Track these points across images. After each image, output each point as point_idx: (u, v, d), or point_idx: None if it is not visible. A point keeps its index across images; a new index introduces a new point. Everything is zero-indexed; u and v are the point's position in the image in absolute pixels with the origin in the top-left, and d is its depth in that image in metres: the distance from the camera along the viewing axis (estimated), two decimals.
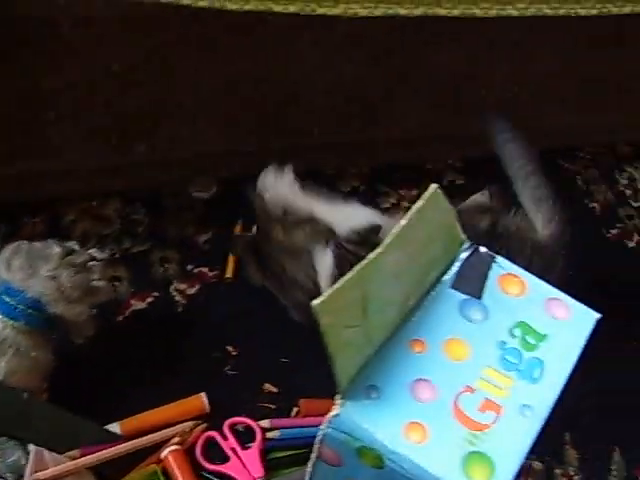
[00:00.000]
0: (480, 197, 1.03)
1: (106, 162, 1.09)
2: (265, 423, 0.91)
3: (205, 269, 1.07)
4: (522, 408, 0.61)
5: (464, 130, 1.21)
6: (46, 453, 0.81)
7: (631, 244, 1.22)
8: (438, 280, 0.67)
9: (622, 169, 1.32)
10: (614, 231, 1.23)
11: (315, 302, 0.53)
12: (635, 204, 1.28)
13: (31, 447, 0.80)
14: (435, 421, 0.58)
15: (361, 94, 1.13)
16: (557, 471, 0.96)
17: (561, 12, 0.98)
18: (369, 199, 1.15)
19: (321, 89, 1.08)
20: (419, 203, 0.62)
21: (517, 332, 0.65)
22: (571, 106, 1.25)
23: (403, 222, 0.60)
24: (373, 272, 0.58)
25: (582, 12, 0.99)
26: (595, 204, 1.26)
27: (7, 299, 0.84)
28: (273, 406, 0.95)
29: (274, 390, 0.96)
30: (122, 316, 1.00)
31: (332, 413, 0.58)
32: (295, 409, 0.94)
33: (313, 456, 0.63)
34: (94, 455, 0.82)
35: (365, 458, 0.58)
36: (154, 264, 1.06)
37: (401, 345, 0.62)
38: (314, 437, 0.62)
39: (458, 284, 0.67)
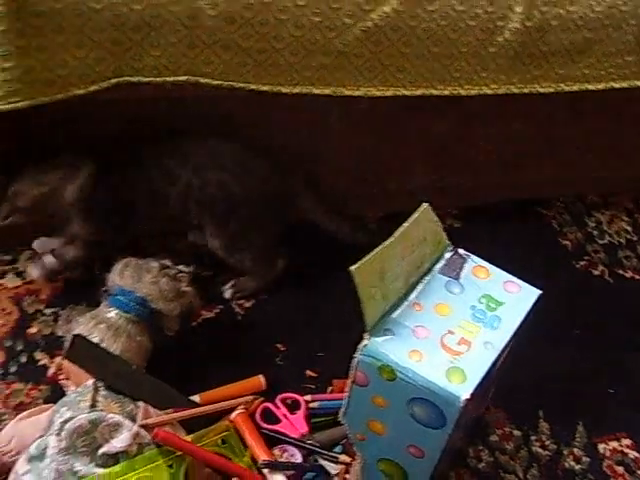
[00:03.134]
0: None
1: None
2: (308, 397, 1.32)
3: None
4: (485, 344, 1.02)
5: (459, 183, 1.66)
6: (150, 408, 1.21)
7: (596, 272, 1.64)
8: (430, 269, 1.10)
9: (590, 215, 1.76)
10: (582, 262, 1.66)
11: (352, 268, 0.95)
12: (601, 242, 1.71)
13: (140, 403, 1.21)
14: (428, 349, 1.00)
15: (376, 156, 1.56)
16: (532, 437, 1.35)
17: (525, 90, 1.44)
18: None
19: (345, 150, 1.52)
20: (415, 214, 1.04)
21: (483, 300, 1.07)
22: (546, 164, 1.69)
23: (406, 224, 1.03)
24: (387, 254, 1.00)
25: (542, 90, 1.45)
26: (567, 242, 1.70)
27: (121, 298, 1.27)
28: (313, 386, 1.36)
29: (314, 375, 1.38)
30: (196, 322, 1.42)
31: (362, 344, 0.99)
32: (330, 388, 1.35)
33: (349, 382, 1.04)
34: (184, 412, 1.23)
35: (383, 373, 0.99)
36: (218, 285, 1.49)
37: (406, 305, 1.04)
38: None
39: (444, 271, 1.10)
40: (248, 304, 1.47)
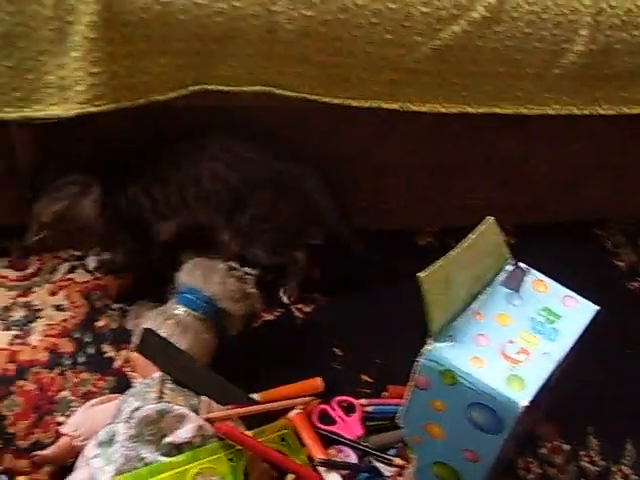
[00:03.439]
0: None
1: None
2: (363, 401, 1.38)
3: (318, 295, 1.57)
4: (543, 354, 1.07)
5: (518, 201, 1.70)
6: (213, 403, 1.27)
7: None
8: (492, 281, 1.15)
9: None
10: (635, 284, 1.69)
11: (420, 275, 1.00)
12: None
13: (203, 397, 1.27)
14: (489, 357, 1.05)
15: (438, 170, 1.61)
16: (581, 453, 1.39)
17: (586, 112, 1.48)
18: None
19: (409, 164, 1.57)
20: (481, 227, 1.10)
21: (542, 312, 1.12)
22: (604, 185, 1.73)
23: (472, 236, 1.08)
24: (452, 264, 1.05)
25: (603, 112, 1.49)
26: (621, 262, 1.74)
27: (189, 296, 1.34)
28: (368, 391, 1.42)
29: (369, 380, 1.43)
30: (257, 324, 1.48)
31: (426, 348, 1.05)
32: (385, 393, 1.40)
33: (411, 384, 1.10)
34: (246, 408, 1.29)
35: (445, 378, 1.04)
36: (279, 289, 1.55)
37: (469, 314, 1.09)
38: None
39: (505, 283, 1.15)
40: (308, 309, 1.54)
